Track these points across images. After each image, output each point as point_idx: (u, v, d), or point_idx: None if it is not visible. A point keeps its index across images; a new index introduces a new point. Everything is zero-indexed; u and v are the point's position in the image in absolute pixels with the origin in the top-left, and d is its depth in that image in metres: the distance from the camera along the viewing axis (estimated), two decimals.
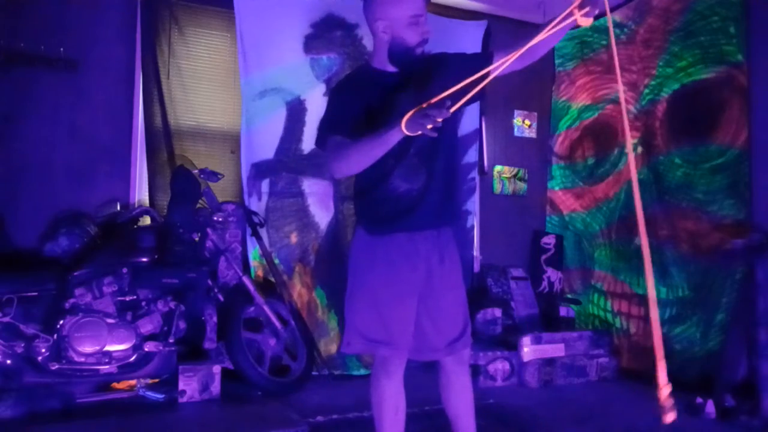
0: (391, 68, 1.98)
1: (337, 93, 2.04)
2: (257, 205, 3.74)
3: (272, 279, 3.67)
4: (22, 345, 2.85)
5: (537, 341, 3.84)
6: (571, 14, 1.73)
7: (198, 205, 3.36)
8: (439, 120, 1.63)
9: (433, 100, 1.69)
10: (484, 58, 2.01)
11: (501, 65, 1.79)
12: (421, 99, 1.84)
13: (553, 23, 1.75)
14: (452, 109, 1.67)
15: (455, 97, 1.72)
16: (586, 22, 1.75)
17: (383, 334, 1.94)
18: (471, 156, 4.43)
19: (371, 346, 1.97)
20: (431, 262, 1.98)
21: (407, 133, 1.69)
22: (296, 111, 3.85)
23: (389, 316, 1.94)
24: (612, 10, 4.38)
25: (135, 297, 3.11)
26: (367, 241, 2.02)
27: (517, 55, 1.80)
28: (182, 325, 3.17)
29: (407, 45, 1.92)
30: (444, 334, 1.99)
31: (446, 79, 1.93)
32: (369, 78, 2.00)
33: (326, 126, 1.98)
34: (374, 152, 1.81)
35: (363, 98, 1.94)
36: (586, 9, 1.72)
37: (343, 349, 2.04)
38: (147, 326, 3.08)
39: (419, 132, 1.67)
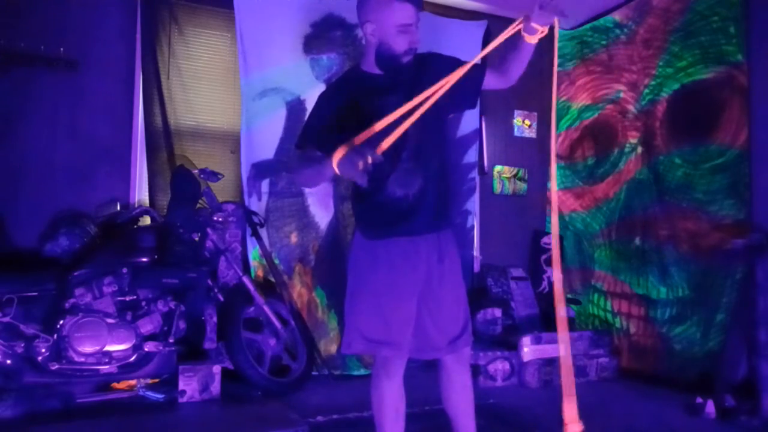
0: (379, 71, 1.98)
1: (324, 98, 2.03)
2: (257, 205, 3.74)
3: (272, 279, 3.67)
4: (22, 345, 2.85)
5: (537, 341, 3.84)
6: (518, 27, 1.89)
7: (198, 205, 3.36)
8: (369, 161, 1.63)
9: (363, 136, 1.71)
10: (477, 69, 2.02)
11: (442, 86, 1.85)
12: (408, 101, 1.84)
13: (503, 33, 1.91)
14: (379, 151, 1.68)
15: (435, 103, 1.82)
16: (531, 39, 1.89)
17: (384, 334, 1.94)
18: (471, 156, 4.43)
19: (372, 346, 1.97)
20: (431, 261, 1.98)
21: (338, 171, 1.70)
22: (296, 111, 3.85)
23: (390, 317, 1.94)
24: (612, 10, 4.40)
25: (135, 297, 3.11)
26: (366, 242, 2.02)
27: (471, 64, 1.92)
28: (182, 325, 3.17)
29: (394, 52, 1.91)
30: (445, 333, 1.99)
31: (435, 82, 1.91)
32: (357, 80, 2.00)
33: (305, 131, 2.01)
34: (316, 179, 1.94)
35: (349, 102, 1.93)
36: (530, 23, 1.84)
37: (344, 350, 2.03)
38: (147, 326, 3.08)
39: (350, 174, 1.67)
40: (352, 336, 1.98)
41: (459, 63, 2.01)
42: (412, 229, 1.95)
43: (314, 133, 1.96)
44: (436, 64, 2.00)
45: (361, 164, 1.62)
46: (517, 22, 1.91)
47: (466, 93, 2.02)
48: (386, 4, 1.86)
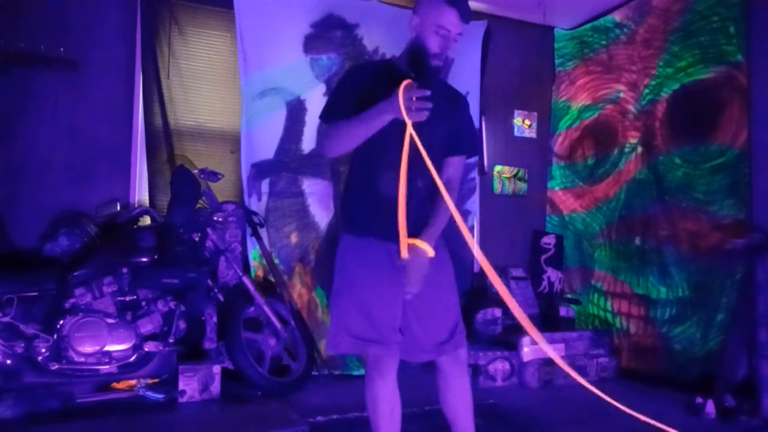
0: (410, 73, 1.98)
1: (355, 74, 2.02)
2: (257, 205, 3.74)
3: (272, 279, 3.67)
4: (22, 345, 2.85)
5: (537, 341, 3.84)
6: None
7: (198, 205, 3.36)
8: (425, 102, 1.69)
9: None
10: (471, 146, 2.12)
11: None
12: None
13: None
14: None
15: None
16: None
17: (373, 332, 1.93)
18: (472, 157, 4.42)
19: (361, 345, 1.96)
20: None
21: (404, 111, 1.71)
22: (296, 111, 3.86)
23: (377, 315, 1.93)
24: (612, 10, 4.41)
25: (135, 297, 3.11)
26: (351, 241, 2.02)
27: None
28: (182, 325, 3.17)
29: (425, 49, 1.91)
30: (432, 335, 1.98)
31: (448, 115, 1.99)
32: (387, 72, 1.99)
33: (333, 105, 1.99)
34: (361, 132, 1.86)
35: (374, 90, 1.91)
36: None
37: (331, 349, 2.02)
38: (147, 326, 3.08)
39: (412, 115, 1.70)
40: (340, 335, 1.97)
41: (470, 126, 2.12)
42: (394, 234, 1.94)
43: (343, 107, 1.94)
44: (458, 104, 2.07)
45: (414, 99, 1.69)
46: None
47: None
48: (434, 3, 1.90)
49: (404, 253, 1.79)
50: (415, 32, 1.94)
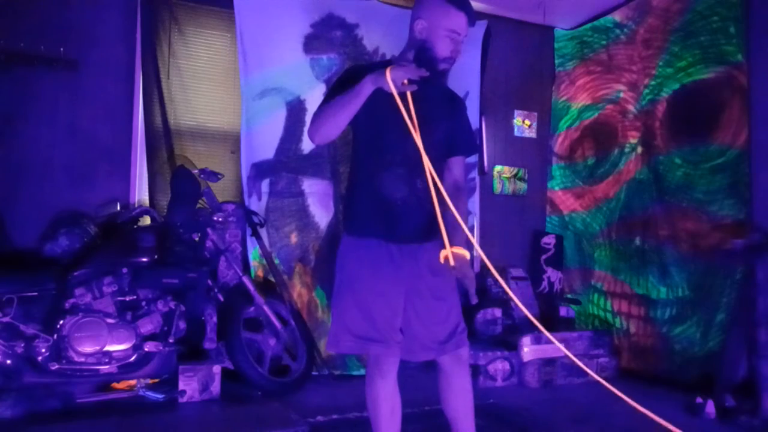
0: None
1: (352, 73, 2.01)
2: (257, 205, 3.74)
3: (272, 279, 3.68)
4: (22, 345, 2.85)
5: (537, 341, 3.84)
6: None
7: (198, 205, 3.36)
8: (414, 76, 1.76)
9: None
10: (469, 146, 2.14)
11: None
12: (418, 114, 1.86)
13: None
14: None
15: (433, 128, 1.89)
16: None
17: (373, 331, 1.94)
18: (471, 156, 4.42)
19: (361, 344, 1.96)
20: (419, 268, 1.98)
21: (389, 77, 1.76)
22: (296, 111, 3.86)
23: (377, 315, 1.94)
24: (612, 10, 4.41)
25: (135, 297, 3.11)
26: (352, 241, 2.02)
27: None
28: (182, 325, 3.17)
29: (435, 54, 1.91)
30: (433, 334, 1.98)
31: (447, 117, 2.01)
32: None
33: (329, 97, 1.98)
34: (345, 109, 1.86)
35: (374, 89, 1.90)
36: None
37: (331, 348, 2.02)
38: (147, 326, 3.08)
39: (401, 74, 1.76)
40: (341, 333, 1.98)
41: (469, 132, 2.13)
42: (395, 234, 1.95)
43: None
44: (456, 106, 2.08)
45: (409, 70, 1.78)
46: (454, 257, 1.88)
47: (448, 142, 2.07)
48: (443, 8, 1.90)
49: (452, 262, 1.84)
50: (423, 36, 1.93)
